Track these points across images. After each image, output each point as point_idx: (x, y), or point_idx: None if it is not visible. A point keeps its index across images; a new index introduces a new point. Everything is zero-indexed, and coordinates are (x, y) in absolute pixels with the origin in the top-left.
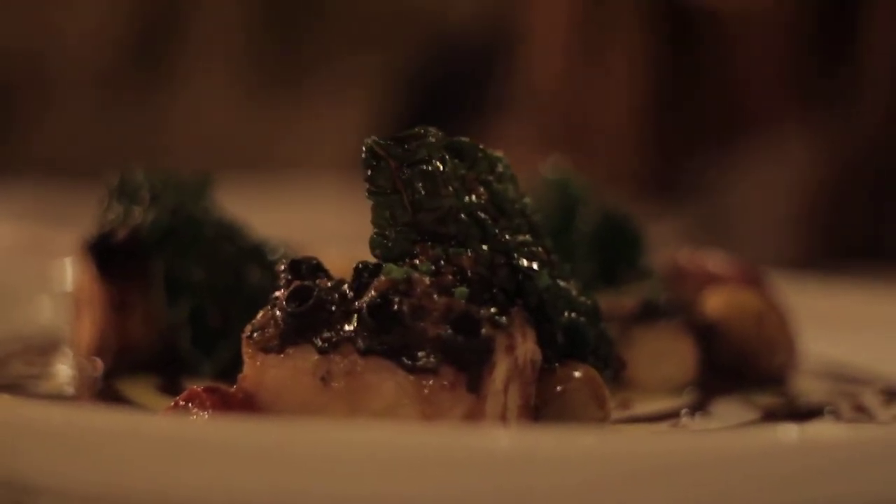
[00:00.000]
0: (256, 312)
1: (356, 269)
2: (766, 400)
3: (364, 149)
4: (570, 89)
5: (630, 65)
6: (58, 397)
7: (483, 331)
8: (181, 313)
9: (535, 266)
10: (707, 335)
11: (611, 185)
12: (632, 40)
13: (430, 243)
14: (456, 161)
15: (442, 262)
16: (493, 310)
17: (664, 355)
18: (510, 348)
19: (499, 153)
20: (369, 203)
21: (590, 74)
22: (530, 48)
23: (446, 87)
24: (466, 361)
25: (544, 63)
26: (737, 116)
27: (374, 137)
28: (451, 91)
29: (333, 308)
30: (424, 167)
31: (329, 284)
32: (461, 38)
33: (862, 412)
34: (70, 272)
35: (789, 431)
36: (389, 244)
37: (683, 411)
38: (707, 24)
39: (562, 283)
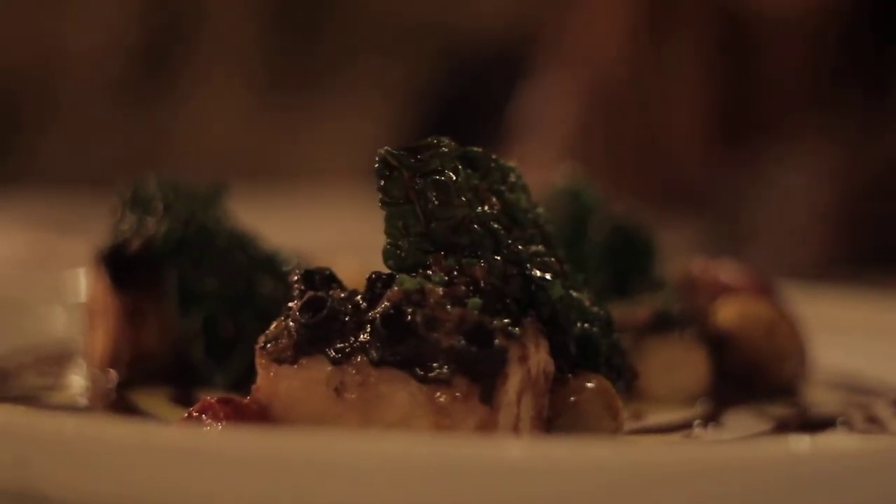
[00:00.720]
0: (269, 323)
1: (369, 279)
2: (779, 410)
3: (377, 159)
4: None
5: (688, 67)
6: (71, 408)
7: (496, 341)
8: (194, 323)
9: (547, 276)
10: (719, 346)
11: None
12: (690, 42)
13: (443, 254)
14: (469, 171)
15: (455, 273)
16: (506, 320)
17: (677, 366)
18: (523, 359)
19: (511, 163)
20: (382, 213)
21: (650, 74)
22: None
23: (464, 100)
24: (479, 372)
25: (604, 49)
26: (763, 121)
27: (387, 147)
28: (468, 105)
29: (347, 319)
30: (437, 177)
31: (342, 295)
32: (479, 50)
33: (874, 423)
34: (83, 283)
35: (801, 442)
36: (402, 255)
37: (696, 422)
38: (745, 28)
39: (574, 294)
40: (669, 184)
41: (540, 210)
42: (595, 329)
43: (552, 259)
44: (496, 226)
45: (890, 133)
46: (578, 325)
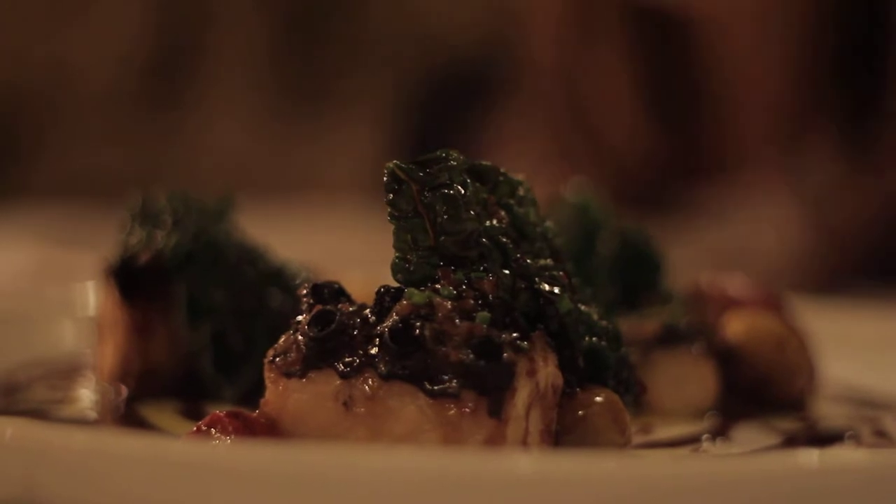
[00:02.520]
0: (278, 336)
1: (378, 293)
2: (787, 425)
3: (386, 172)
4: (566, 76)
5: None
6: (80, 422)
7: (505, 355)
8: (203, 337)
9: (556, 290)
10: (728, 359)
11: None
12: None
13: (451, 267)
14: (477, 185)
15: (463, 287)
16: (514, 334)
17: (685, 380)
18: (531, 373)
19: (520, 176)
20: (391, 226)
21: (583, 63)
22: (528, 41)
23: (450, 96)
24: (488, 386)
25: (541, 53)
26: (724, 146)
27: (395, 161)
28: (454, 100)
29: (355, 332)
30: (446, 191)
31: (351, 309)
32: (462, 53)
33: (882, 437)
34: (93, 296)
35: (810, 456)
36: (411, 268)
37: (704, 436)
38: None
39: (583, 308)
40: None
41: (548, 224)
42: (603, 343)
43: (560, 273)
44: (505, 239)
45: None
46: (587, 338)
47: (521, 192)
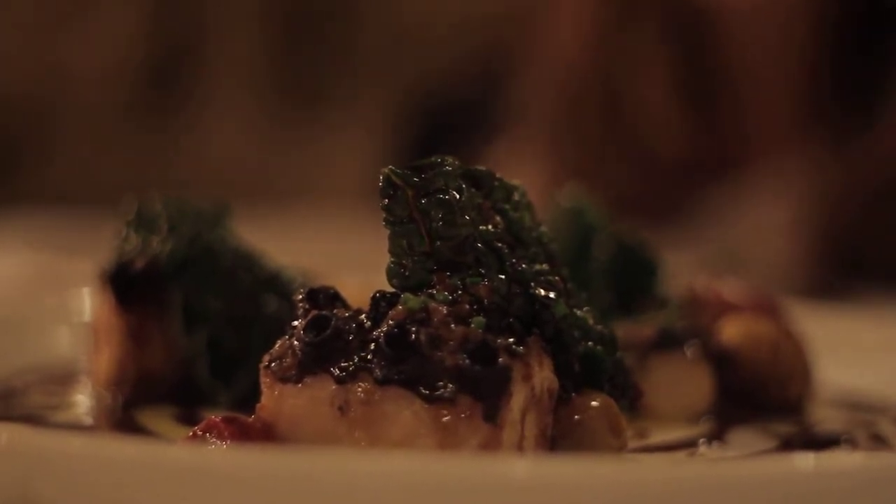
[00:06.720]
0: (274, 342)
1: (373, 298)
2: (783, 429)
3: (381, 178)
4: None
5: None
6: (76, 427)
7: (500, 360)
8: (199, 343)
9: (551, 295)
10: (723, 364)
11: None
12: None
13: (447, 273)
14: (472, 190)
15: (459, 292)
16: (509, 339)
17: (681, 384)
18: (527, 377)
19: (516, 181)
20: (386, 231)
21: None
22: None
23: (449, 112)
24: (483, 391)
25: (572, 44)
26: (744, 142)
27: (391, 166)
28: (454, 116)
29: (351, 337)
30: (441, 196)
31: (346, 314)
32: (461, 65)
33: (878, 441)
34: (88, 302)
35: (806, 460)
36: (406, 273)
37: (700, 440)
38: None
39: (578, 312)
40: (650, 175)
41: (543, 228)
42: (599, 347)
43: (556, 277)
44: (500, 244)
45: (875, 145)
46: (582, 343)
47: (516, 196)
